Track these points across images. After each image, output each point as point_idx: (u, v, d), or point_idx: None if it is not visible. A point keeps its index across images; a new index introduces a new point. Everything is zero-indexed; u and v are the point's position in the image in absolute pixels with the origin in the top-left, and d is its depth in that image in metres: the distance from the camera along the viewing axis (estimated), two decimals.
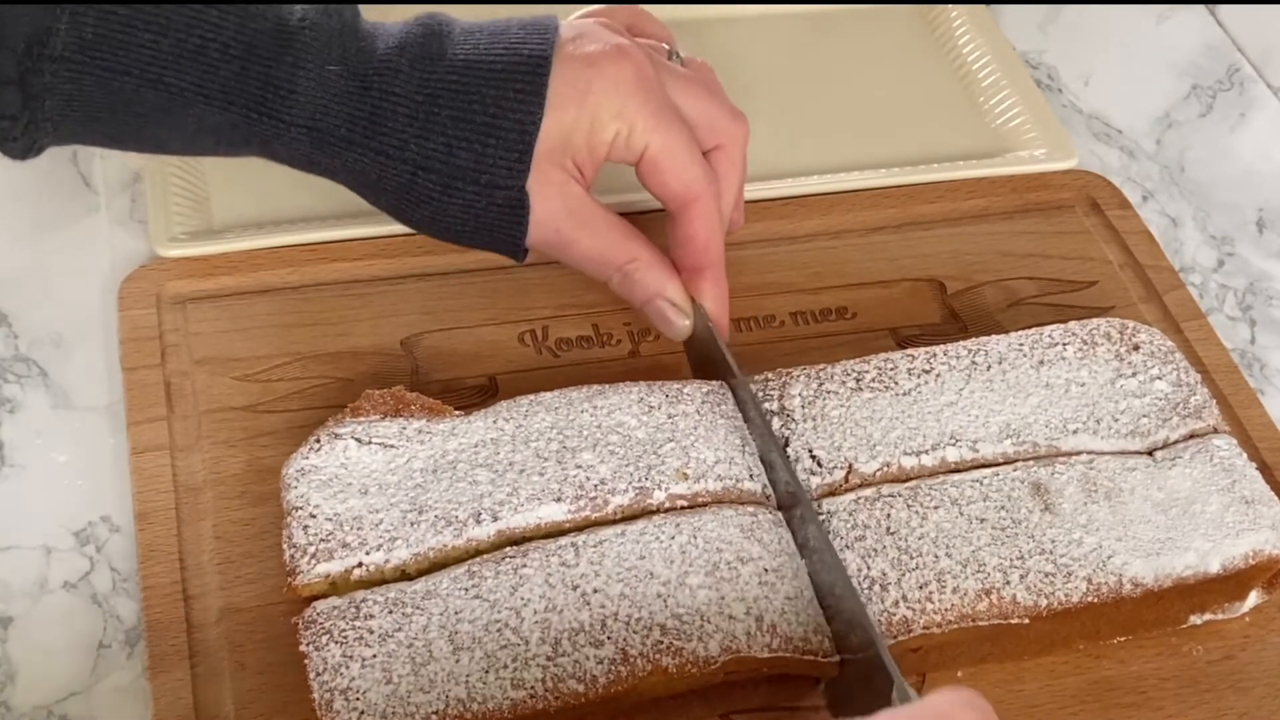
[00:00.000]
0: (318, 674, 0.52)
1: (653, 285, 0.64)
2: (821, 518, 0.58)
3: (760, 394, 0.62)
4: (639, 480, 0.57)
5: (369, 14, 0.61)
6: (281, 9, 0.58)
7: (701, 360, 0.66)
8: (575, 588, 0.54)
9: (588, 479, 0.57)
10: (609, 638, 0.53)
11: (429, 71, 0.59)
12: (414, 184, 0.60)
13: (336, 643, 0.53)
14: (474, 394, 0.66)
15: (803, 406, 0.61)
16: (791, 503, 0.58)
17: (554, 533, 0.57)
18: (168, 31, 0.56)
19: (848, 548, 0.57)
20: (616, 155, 0.62)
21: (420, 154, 0.59)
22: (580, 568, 0.55)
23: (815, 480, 0.59)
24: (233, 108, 0.57)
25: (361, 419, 0.59)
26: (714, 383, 0.63)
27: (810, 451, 0.60)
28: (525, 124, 0.59)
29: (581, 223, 0.62)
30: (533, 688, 0.52)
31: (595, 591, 0.54)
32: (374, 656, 0.53)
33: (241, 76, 0.57)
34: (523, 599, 0.54)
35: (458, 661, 0.53)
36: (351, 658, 0.52)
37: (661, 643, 0.53)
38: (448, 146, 0.59)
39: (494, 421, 0.60)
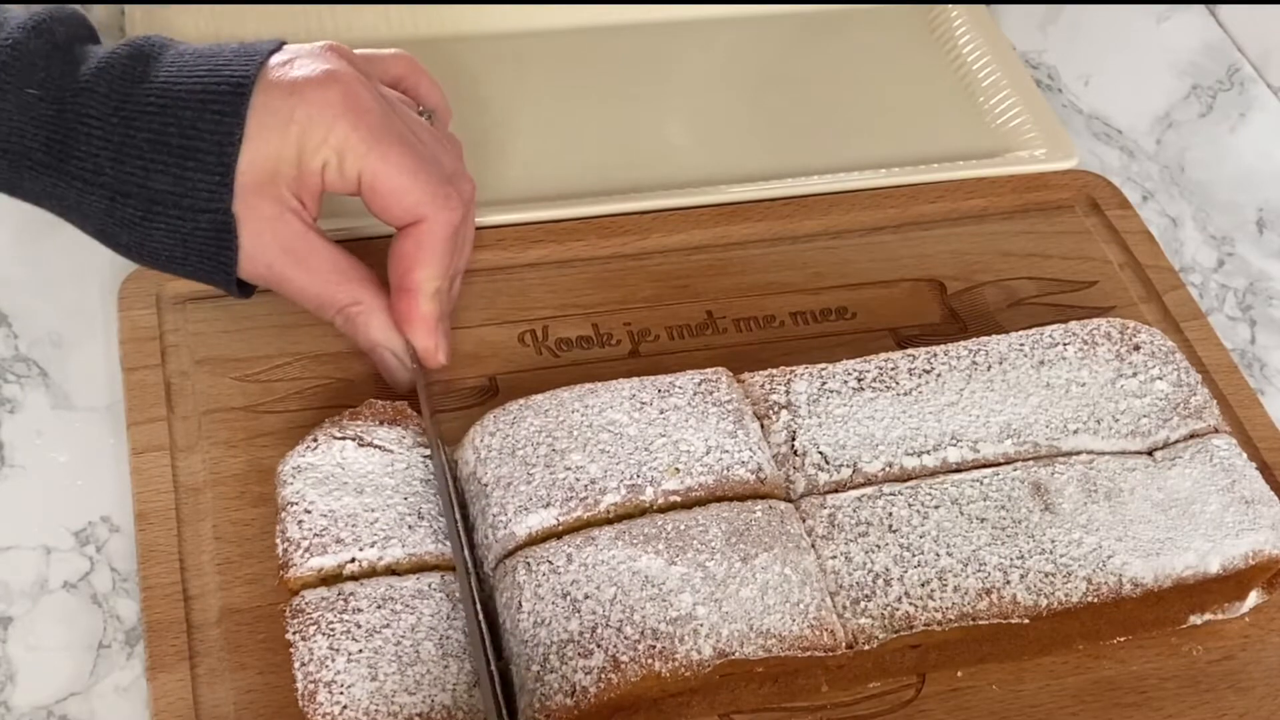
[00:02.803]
0: (302, 664, 0.52)
1: (375, 333, 0.61)
2: (827, 511, 0.58)
3: (766, 387, 0.62)
4: (630, 478, 0.57)
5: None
6: None
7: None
8: (565, 595, 0.54)
9: (577, 480, 0.57)
10: (599, 645, 0.53)
11: (126, 94, 0.56)
12: (113, 210, 0.57)
13: (324, 634, 0.53)
14: (474, 394, 0.66)
15: (808, 404, 0.61)
16: (470, 579, 0.55)
17: (548, 537, 0.56)
18: None
19: (851, 542, 0.57)
20: (333, 184, 0.59)
21: (116, 179, 0.57)
22: (570, 574, 0.55)
23: (823, 477, 0.59)
24: None
25: (359, 422, 0.60)
26: (708, 370, 0.62)
27: (818, 448, 0.60)
28: (224, 146, 0.56)
29: (297, 260, 0.59)
30: (524, 712, 0.52)
31: (586, 598, 0.54)
32: (360, 651, 0.53)
33: None
34: (513, 615, 0.54)
35: (445, 668, 0.53)
36: (338, 650, 0.52)
37: (654, 647, 0.53)
38: (144, 170, 0.57)
39: (481, 440, 0.59)
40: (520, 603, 0.54)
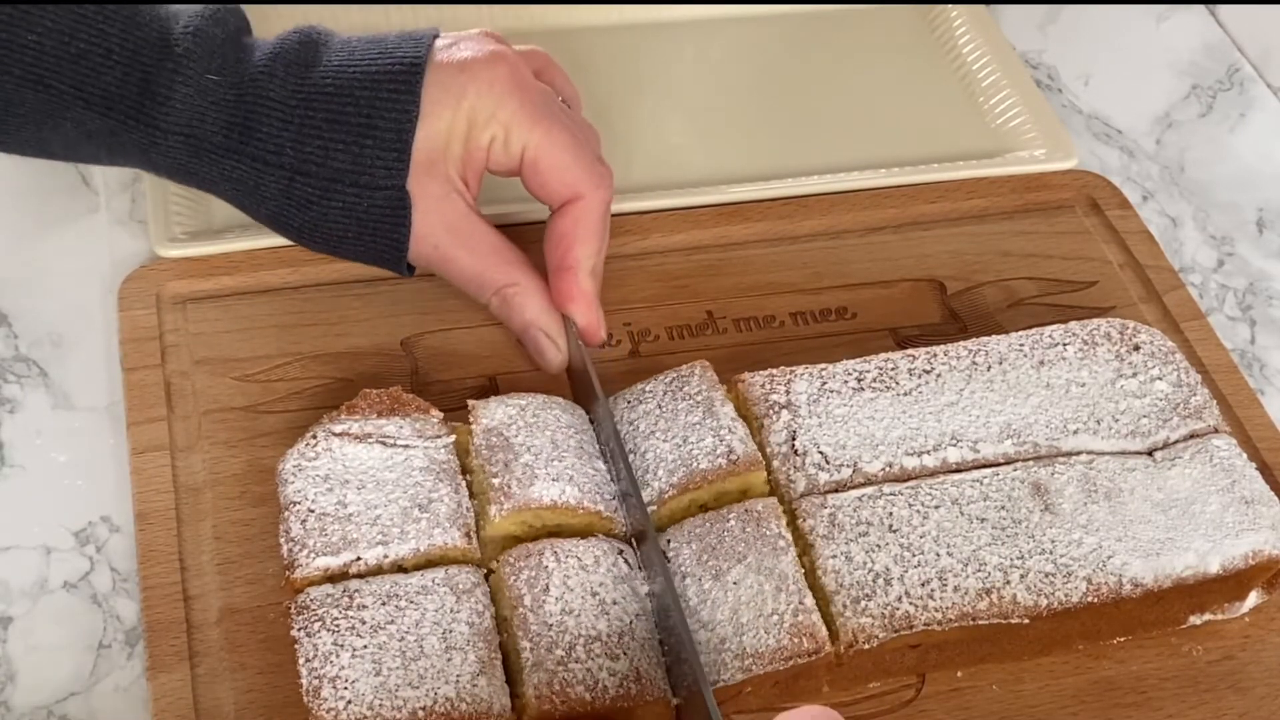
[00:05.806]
0: (307, 660, 0.53)
1: (529, 313, 0.63)
2: (828, 510, 0.58)
3: (766, 387, 0.62)
4: (610, 495, 0.59)
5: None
6: (168, 16, 0.58)
7: (577, 384, 0.65)
8: (594, 594, 0.55)
9: (604, 482, 0.59)
10: (625, 653, 0.54)
11: (303, 77, 0.59)
12: (292, 189, 0.60)
13: (329, 630, 0.53)
14: (474, 394, 0.66)
15: (808, 404, 0.61)
16: (641, 537, 0.58)
17: (571, 515, 0.57)
18: (52, 33, 0.56)
19: (852, 542, 0.57)
20: (496, 161, 0.62)
21: (297, 158, 0.59)
22: (599, 576, 0.55)
23: (824, 476, 0.59)
24: (111, 113, 0.58)
25: (358, 416, 0.60)
26: (683, 367, 0.63)
27: (818, 448, 0.60)
28: (401, 123, 0.59)
29: (461, 240, 0.62)
30: (536, 687, 0.53)
31: (614, 604, 0.55)
32: (365, 647, 0.53)
33: (122, 82, 0.57)
34: (538, 596, 0.55)
35: (449, 660, 0.53)
36: (342, 646, 0.53)
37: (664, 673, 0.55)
38: (324, 149, 0.59)
39: (512, 407, 0.60)
40: (549, 586, 0.55)
